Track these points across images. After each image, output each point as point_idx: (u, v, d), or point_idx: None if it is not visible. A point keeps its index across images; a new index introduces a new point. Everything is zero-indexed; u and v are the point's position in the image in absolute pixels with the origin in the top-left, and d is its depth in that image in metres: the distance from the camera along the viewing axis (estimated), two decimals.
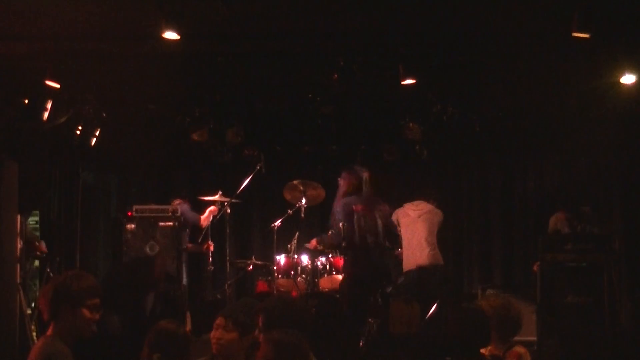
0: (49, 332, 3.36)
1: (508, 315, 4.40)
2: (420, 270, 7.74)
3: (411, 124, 8.68)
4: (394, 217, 7.92)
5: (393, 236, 7.87)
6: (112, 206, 10.33)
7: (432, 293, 7.53)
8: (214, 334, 3.96)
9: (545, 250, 7.38)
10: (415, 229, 7.88)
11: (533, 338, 6.96)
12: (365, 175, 7.60)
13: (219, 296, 8.67)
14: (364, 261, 7.34)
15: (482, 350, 4.10)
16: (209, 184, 9.39)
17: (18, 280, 6.62)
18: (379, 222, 7.53)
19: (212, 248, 8.60)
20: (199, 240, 8.61)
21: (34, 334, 6.64)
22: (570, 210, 8.35)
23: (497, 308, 4.38)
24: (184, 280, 8.42)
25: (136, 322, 7.06)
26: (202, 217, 8.46)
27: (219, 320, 3.96)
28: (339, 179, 7.74)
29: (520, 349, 4.32)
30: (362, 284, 7.41)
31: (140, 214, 7.86)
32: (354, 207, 7.34)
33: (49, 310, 3.34)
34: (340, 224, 7.56)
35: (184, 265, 8.47)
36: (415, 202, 8.07)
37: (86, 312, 3.34)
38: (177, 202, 8.47)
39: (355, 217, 7.33)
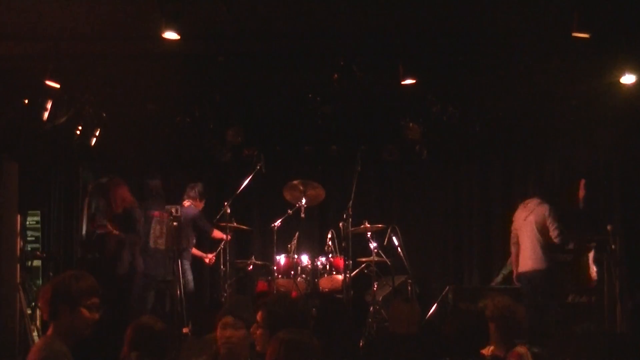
0: (49, 332, 3.37)
1: (514, 317, 4.38)
2: (523, 275, 7.72)
3: (411, 124, 8.68)
4: None
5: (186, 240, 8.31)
6: None
7: (533, 299, 7.45)
8: (222, 334, 3.88)
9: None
10: (523, 233, 7.79)
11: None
12: (156, 182, 8.14)
13: (219, 296, 8.66)
14: (153, 263, 7.90)
15: (484, 351, 4.09)
16: (209, 184, 9.37)
17: (18, 280, 6.64)
18: (174, 225, 7.80)
19: (213, 261, 8.76)
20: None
21: (35, 334, 6.65)
22: None
23: (503, 309, 4.36)
24: (191, 279, 8.44)
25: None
26: (214, 233, 8.64)
27: (228, 319, 3.90)
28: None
29: (521, 349, 4.31)
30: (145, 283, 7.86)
31: None
32: (151, 213, 7.85)
33: (48, 310, 3.35)
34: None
35: (188, 264, 8.48)
36: (526, 201, 7.98)
37: (85, 312, 3.34)
38: (187, 203, 8.52)
39: (152, 222, 7.89)
